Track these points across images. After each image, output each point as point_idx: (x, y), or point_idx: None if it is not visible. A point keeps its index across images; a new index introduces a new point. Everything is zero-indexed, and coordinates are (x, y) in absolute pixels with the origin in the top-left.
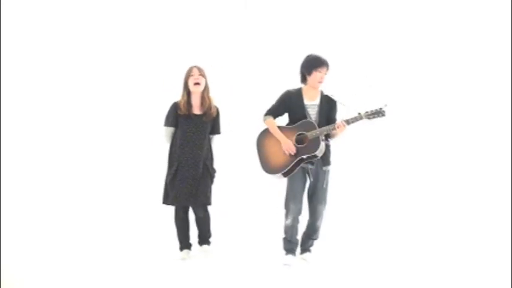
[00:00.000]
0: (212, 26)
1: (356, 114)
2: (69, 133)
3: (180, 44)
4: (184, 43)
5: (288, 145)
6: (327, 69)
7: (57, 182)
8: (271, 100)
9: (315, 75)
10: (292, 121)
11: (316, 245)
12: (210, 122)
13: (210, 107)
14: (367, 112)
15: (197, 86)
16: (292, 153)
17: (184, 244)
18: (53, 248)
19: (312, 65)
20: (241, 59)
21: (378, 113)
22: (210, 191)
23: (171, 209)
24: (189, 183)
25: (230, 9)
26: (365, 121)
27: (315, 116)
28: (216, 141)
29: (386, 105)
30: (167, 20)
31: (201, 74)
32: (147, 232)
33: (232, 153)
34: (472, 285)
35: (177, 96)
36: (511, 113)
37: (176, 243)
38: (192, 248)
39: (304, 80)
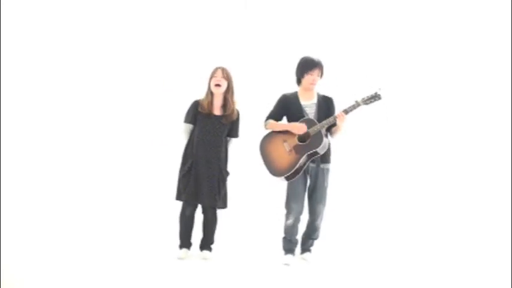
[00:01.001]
0: (212, 26)
1: (353, 103)
2: (70, 132)
3: (180, 44)
4: (184, 43)
5: (298, 127)
6: (319, 70)
7: (57, 182)
8: (271, 101)
9: (307, 78)
10: None
11: (317, 245)
12: (228, 125)
13: (232, 110)
14: (363, 98)
15: (218, 87)
16: (304, 132)
17: (185, 242)
18: (52, 247)
19: (304, 68)
20: (241, 60)
21: (374, 97)
22: (225, 194)
23: (173, 207)
24: (201, 183)
25: (230, 9)
26: (363, 107)
27: (313, 115)
28: (234, 145)
29: (380, 88)
30: (167, 20)
31: (224, 76)
32: (147, 229)
33: (230, 154)
34: (472, 285)
35: (177, 95)
36: (511, 112)
37: (176, 242)
38: (192, 248)
39: (299, 82)
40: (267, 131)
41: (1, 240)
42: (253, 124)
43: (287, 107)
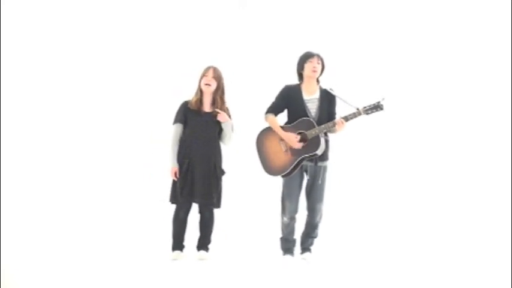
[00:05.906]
0: (209, 25)
1: (354, 110)
2: (69, 133)
3: (177, 44)
4: (181, 43)
5: (292, 141)
6: (318, 58)
7: (56, 182)
8: (268, 99)
9: (308, 66)
10: (291, 118)
11: (317, 245)
12: (219, 122)
13: (221, 108)
14: (365, 107)
15: (207, 86)
16: (298, 148)
17: (178, 245)
18: (50, 249)
19: (302, 59)
20: (238, 58)
21: (376, 108)
22: (220, 194)
23: (167, 209)
24: (197, 181)
25: (226, 8)
26: (364, 117)
27: (315, 110)
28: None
29: (383, 98)
30: (163, 20)
31: (215, 76)
32: (141, 231)
33: (229, 154)
34: (472, 285)
35: (172, 95)
36: (511, 112)
37: (169, 243)
38: (187, 249)
39: (301, 77)
40: (265, 125)
41: (1, 240)
42: (251, 123)
43: (288, 100)
